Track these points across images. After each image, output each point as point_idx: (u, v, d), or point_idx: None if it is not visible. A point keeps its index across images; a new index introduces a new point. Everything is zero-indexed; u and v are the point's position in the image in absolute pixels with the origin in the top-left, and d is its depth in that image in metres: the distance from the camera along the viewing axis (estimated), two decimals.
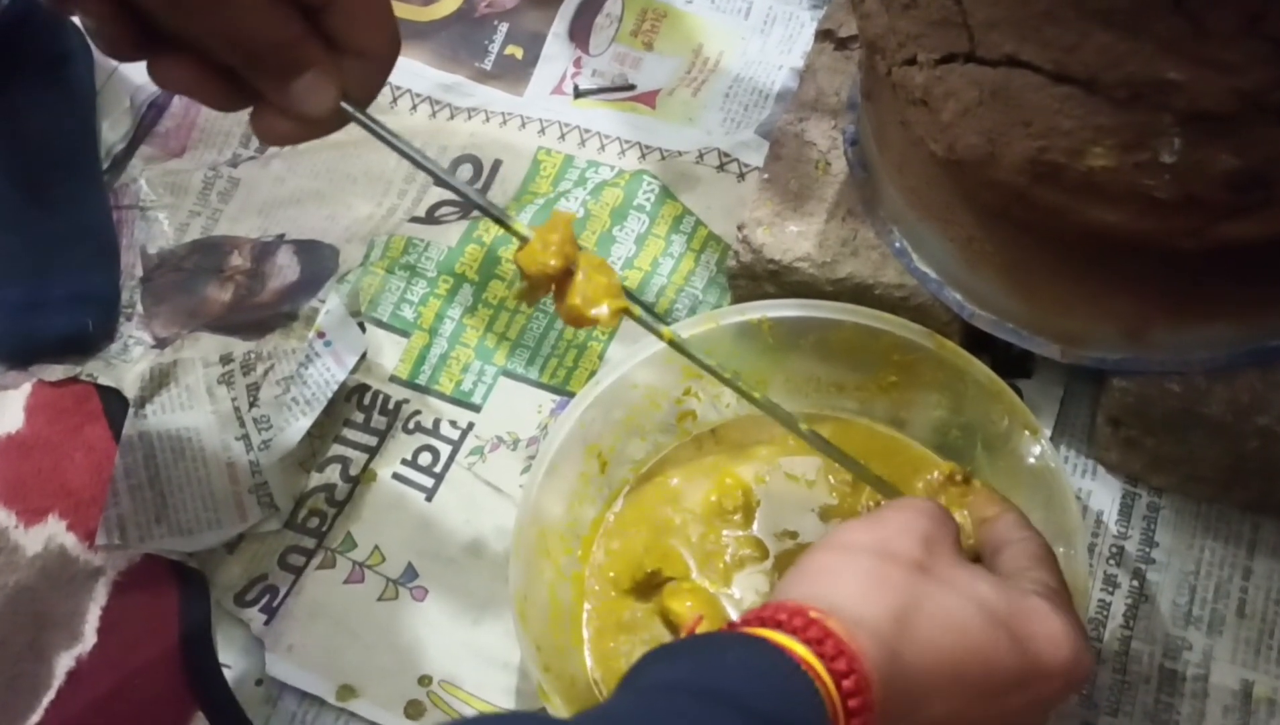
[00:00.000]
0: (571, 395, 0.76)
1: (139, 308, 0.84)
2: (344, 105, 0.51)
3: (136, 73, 0.89)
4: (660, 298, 0.78)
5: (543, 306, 0.78)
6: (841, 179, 0.73)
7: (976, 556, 0.59)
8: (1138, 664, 0.67)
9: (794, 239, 0.72)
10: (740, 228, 0.73)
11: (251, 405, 0.76)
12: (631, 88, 0.89)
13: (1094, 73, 0.53)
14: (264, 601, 0.73)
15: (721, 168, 0.83)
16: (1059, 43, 0.53)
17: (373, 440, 0.77)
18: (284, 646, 0.71)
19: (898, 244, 0.70)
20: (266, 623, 0.72)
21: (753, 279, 0.73)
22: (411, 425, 0.77)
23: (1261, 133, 0.52)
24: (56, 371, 0.79)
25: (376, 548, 0.74)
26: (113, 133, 0.90)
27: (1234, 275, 0.60)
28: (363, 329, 0.79)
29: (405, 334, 0.79)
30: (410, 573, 0.73)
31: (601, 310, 0.55)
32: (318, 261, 0.84)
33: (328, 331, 0.78)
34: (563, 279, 0.55)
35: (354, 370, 0.77)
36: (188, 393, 0.77)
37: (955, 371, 0.67)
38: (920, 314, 0.69)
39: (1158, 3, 0.50)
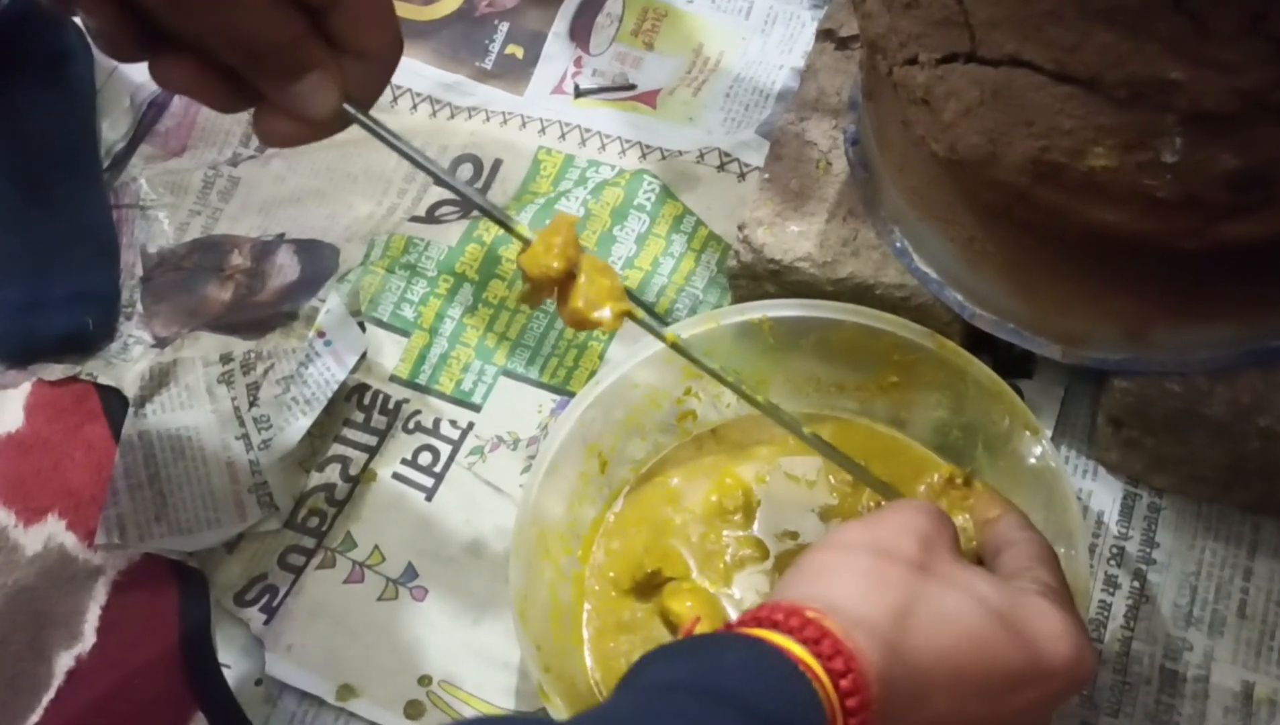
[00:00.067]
0: (572, 395, 0.76)
1: (139, 307, 0.84)
2: (346, 107, 0.50)
3: (136, 72, 0.89)
4: (661, 297, 0.78)
5: (543, 306, 0.78)
6: (842, 179, 0.73)
7: (978, 559, 0.59)
8: (1138, 665, 0.67)
9: (795, 239, 0.72)
10: (741, 227, 0.73)
11: (251, 404, 0.76)
12: (632, 87, 0.89)
13: (1095, 72, 0.53)
14: (264, 601, 0.73)
15: (722, 167, 0.83)
16: (1061, 42, 0.53)
17: (373, 440, 0.77)
18: (284, 646, 0.71)
19: (899, 244, 0.70)
20: (266, 622, 0.72)
21: (753, 279, 0.73)
22: (411, 425, 0.77)
23: (1263, 133, 0.52)
24: (56, 371, 0.79)
25: (376, 547, 0.74)
26: (113, 132, 0.90)
27: (1235, 275, 0.60)
28: (363, 328, 0.79)
29: (405, 333, 0.79)
30: (410, 572, 0.73)
31: (604, 313, 0.55)
32: (318, 261, 0.84)
33: (328, 331, 0.78)
34: (565, 281, 0.55)
35: (354, 370, 0.77)
36: (187, 392, 0.77)
37: (956, 372, 0.67)
38: (921, 314, 0.69)
39: (1159, 2, 0.50)
